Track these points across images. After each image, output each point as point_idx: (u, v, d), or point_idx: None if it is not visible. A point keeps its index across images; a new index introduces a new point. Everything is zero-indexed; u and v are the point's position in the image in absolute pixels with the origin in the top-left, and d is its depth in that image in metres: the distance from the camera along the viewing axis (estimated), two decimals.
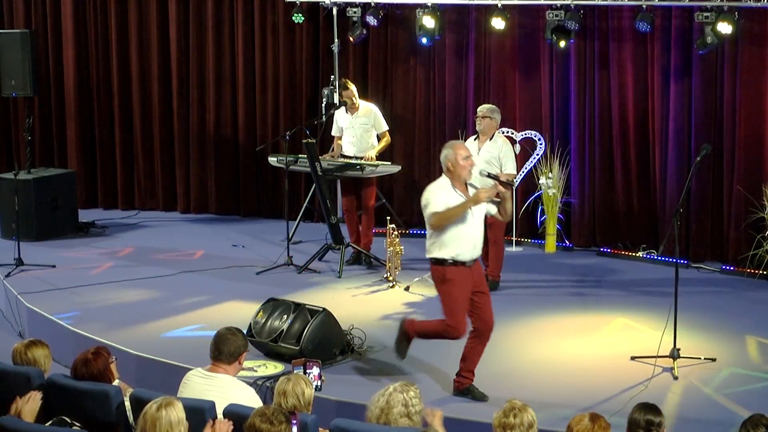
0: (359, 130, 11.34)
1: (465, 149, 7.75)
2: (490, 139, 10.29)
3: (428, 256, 7.74)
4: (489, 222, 10.23)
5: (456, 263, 7.61)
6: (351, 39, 12.49)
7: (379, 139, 11.41)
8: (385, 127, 11.41)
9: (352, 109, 11.33)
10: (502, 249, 10.53)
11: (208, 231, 12.90)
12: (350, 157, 11.33)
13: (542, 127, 11.95)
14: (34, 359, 6.36)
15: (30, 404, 5.89)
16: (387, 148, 11.61)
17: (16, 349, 6.48)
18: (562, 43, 11.39)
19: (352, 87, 11.30)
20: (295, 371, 6.78)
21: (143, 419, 5.25)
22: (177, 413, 5.26)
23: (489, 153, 10.22)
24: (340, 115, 11.46)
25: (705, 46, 10.61)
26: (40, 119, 13.94)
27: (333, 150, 11.65)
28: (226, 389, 6.10)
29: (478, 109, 10.41)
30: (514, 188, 7.92)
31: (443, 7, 12.09)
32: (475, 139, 10.39)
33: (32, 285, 10.43)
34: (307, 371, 7.57)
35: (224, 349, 6.24)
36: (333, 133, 11.69)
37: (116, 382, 6.26)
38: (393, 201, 12.62)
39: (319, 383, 7.53)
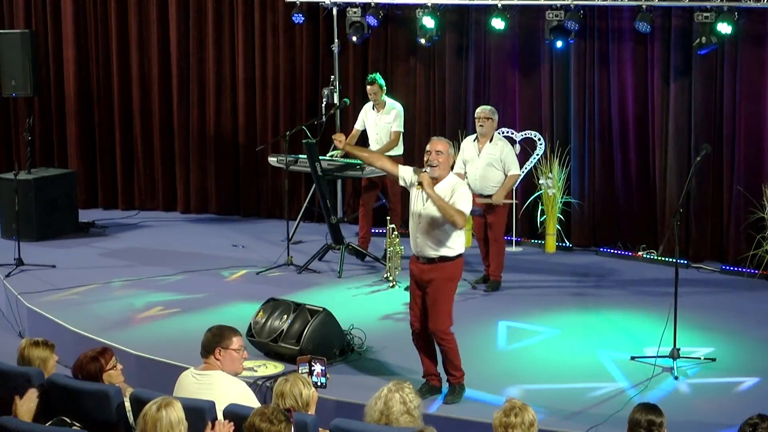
0: (384, 129, 11.36)
1: (432, 144, 7.61)
2: (490, 140, 10.29)
3: None
4: (489, 222, 10.30)
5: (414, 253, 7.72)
6: (354, 38, 12.44)
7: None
8: (398, 127, 11.38)
9: (377, 106, 11.34)
10: (503, 248, 10.53)
11: (208, 231, 12.90)
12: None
13: (542, 127, 11.95)
14: (29, 359, 6.36)
15: (26, 403, 5.89)
16: (394, 148, 11.57)
17: (20, 344, 6.50)
18: (559, 44, 11.39)
19: (380, 83, 11.25)
20: (300, 368, 6.77)
21: (143, 420, 5.26)
22: (177, 413, 5.27)
23: (490, 155, 10.23)
24: (368, 111, 11.47)
25: (702, 46, 10.60)
26: (40, 119, 13.94)
27: (347, 138, 11.68)
28: (216, 385, 6.13)
29: (479, 111, 10.37)
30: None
31: (443, 7, 12.09)
32: (474, 140, 10.39)
33: (32, 285, 10.44)
34: (312, 368, 7.54)
35: (201, 345, 6.33)
36: (356, 126, 11.69)
37: (118, 385, 6.27)
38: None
39: (324, 380, 7.51)
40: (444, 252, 7.56)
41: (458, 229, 7.52)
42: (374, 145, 11.48)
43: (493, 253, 10.38)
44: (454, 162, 9.86)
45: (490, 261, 10.40)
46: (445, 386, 7.86)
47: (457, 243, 7.61)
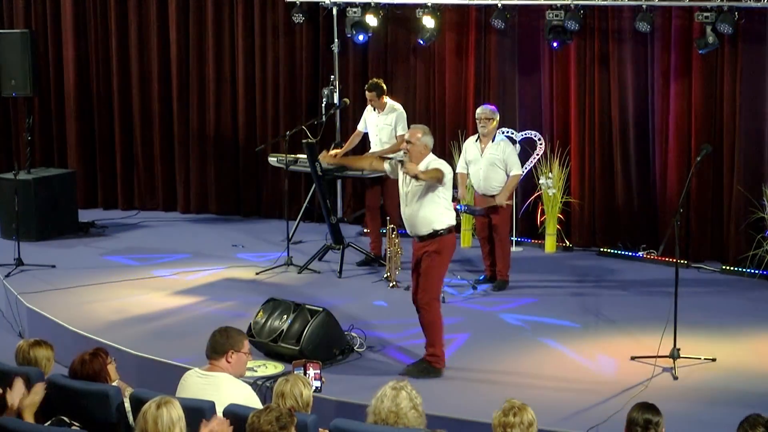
0: (384, 130, 11.31)
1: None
2: (492, 140, 10.30)
3: None
4: (494, 223, 10.32)
5: None
6: (360, 37, 12.40)
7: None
8: (403, 130, 11.30)
9: (378, 108, 11.30)
10: (509, 248, 10.56)
11: (208, 231, 12.90)
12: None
13: (542, 127, 11.95)
14: (35, 359, 6.37)
15: (32, 396, 5.90)
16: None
17: (20, 346, 6.49)
18: (555, 44, 11.38)
19: (378, 90, 11.14)
20: (295, 372, 6.79)
21: (143, 419, 5.26)
22: (176, 411, 5.28)
23: (493, 155, 10.23)
24: (369, 112, 11.43)
25: (706, 45, 10.60)
26: (40, 119, 13.94)
27: (348, 141, 11.69)
28: (221, 387, 6.11)
29: (480, 111, 10.37)
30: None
31: (443, 7, 12.09)
32: (476, 141, 10.39)
33: (32, 285, 10.44)
34: (307, 372, 7.57)
35: (210, 346, 6.30)
36: (358, 127, 11.66)
37: (116, 383, 6.27)
38: None
39: (319, 384, 7.53)
40: (434, 227, 8.09)
41: (443, 185, 8.07)
42: (375, 146, 11.42)
43: (499, 253, 10.39)
44: (461, 159, 10.20)
45: (498, 261, 10.41)
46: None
47: (446, 217, 8.14)
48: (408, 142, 8.17)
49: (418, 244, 8.24)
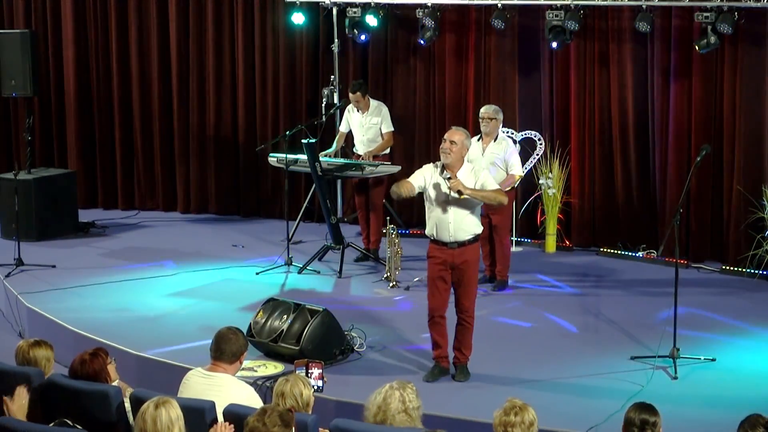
0: (370, 130, 11.33)
1: (448, 134, 8.12)
2: (494, 140, 10.30)
3: None
4: (494, 223, 10.31)
5: (434, 241, 8.07)
6: (362, 37, 12.44)
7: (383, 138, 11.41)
8: (389, 127, 11.38)
9: (362, 108, 11.32)
10: (509, 249, 10.55)
11: (208, 231, 12.90)
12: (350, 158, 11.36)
13: (542, 127, 11.95)
14: (35, 359, 6.37)
15: (17, 401, 5.89)
16: (388, 148, 11.56)
17: (20, 346, 6.49)
18: (555, 44, 11.38)
19: (362, 91, 11.21)
20: (297, 371, 6.78)
21: (142, 419, 5.26)
22: (175, 411, 5.29)
23: (494, 154, 10.22)
24: (352, 113, 11.44)
25: (707, 45, 10.60)
26: (40, 119, 13.94)
27: (336, 144, 11.69)
28: (225, 388, 6.10)
29: (483, 110, 10.37)
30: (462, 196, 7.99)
31: (443, 7, 12.09)
32: (478, 140, 10.39)
33: (32, 285, 10.44)
34: (309, 372, 7.57)
35: (226, 349, 6.25)
36: (341, 128, 11.69)
37: (116, 383, 6.27)
38: (393, 201, 12.61)
39: (320, 384, 7.53)
40: (475, 231, 8.08)
41: (505, 205, 8.54)
42: (360, 146, 11.42)
43: (499, 254, 10.39)
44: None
45: (497, 262, 10.41)
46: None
47: (480, 221, 8.17)
48: (452, 142, 7.99)
49: (452, 251, 7.99)
